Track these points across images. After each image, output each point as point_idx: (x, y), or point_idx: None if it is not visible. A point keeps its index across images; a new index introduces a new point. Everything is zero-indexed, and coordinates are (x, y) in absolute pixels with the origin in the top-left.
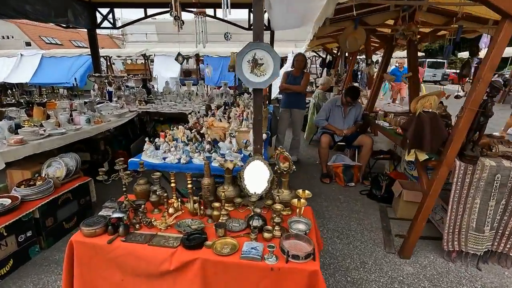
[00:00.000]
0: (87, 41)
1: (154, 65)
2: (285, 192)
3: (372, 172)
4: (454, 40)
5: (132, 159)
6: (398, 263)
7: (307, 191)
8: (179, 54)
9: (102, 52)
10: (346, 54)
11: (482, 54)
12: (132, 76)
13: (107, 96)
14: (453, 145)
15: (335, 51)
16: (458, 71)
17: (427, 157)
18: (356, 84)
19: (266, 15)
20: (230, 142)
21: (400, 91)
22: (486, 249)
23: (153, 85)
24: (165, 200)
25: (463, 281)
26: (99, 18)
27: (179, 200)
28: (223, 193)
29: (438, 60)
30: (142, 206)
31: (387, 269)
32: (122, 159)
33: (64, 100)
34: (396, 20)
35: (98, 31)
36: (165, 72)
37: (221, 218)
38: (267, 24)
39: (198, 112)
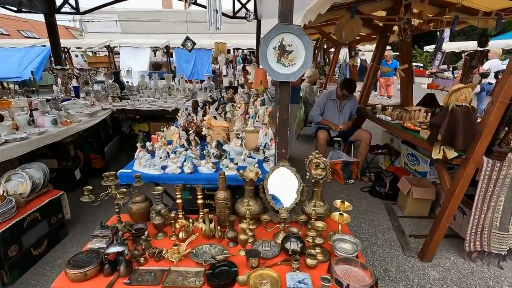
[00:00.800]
0: (38, 31)
1: (120, 57)
2: (320, 205)
3: (370, 168)
4: (441, 31)
5: (122, 170)
6: (422, 268)
7: (346, 203)
8: (187, 38)
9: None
10: (325, 46)
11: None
12: (105, 69)
13: (73, 92)
14: (482, 140)
15: (314, 42)
16: (421, 64)
17: (456, 154)
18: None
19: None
20: (241, 145)
21: (387, 88)
22: (508, 248)
23: (127, 81)
24: (172, 221)
25: (489, 282)
26: (58, 1)
27: (190, 221)
28: (247, 210)
29: None
30: (146, 232)
31: (413, 277)
32: (113, 173)
33: (20, 98)
34: (395, 9)
35: None
36: (133, 65)
37: (248, 241)
38: (253, 12)
39: (186, 109)
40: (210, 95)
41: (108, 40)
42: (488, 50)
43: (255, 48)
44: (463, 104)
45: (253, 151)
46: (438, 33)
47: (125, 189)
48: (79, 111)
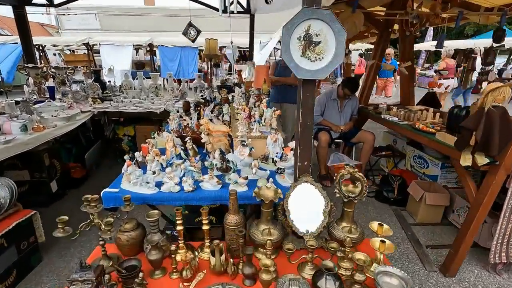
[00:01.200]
0: (10, 28)
1: (100, 56)
2: (353, 229)
3: (374, 170)
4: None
5: (107, 190)
6: (447, 284)
7: (385, 225)
8: (189, 25)
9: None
10: None
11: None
12: (83, 68)
13: (48, 93)
14: None
15: None
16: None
17: (488, 161)
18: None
19: None
20: (250, 154)
21: (385, 89)
22: None
23: (109, 80)
24: (173, 256)
25: None
26: None
27: (196, 253)
28: (268, 241)
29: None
30: (140, 274)
31: None
32: (95, 197)
33: None
34: (401, 3)
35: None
36: (114, 64)
37: (271, 277)
38: (246, 6)
39: (178, 112)
40: (202, 95)
41: (87, 37)
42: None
43: (247, 46)
44: (500, 104)
45: (261, 160)
46: (440, 30)
47: (111, 219)
48: (55, 114)
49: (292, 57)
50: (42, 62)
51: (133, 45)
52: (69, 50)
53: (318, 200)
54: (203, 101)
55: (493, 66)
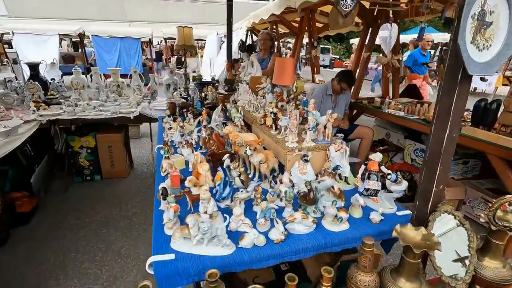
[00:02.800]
0: None
1: (14, 47)
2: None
3: None
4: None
5: (157, 258)
6: None
7: None
8: None
9: None
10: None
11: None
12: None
13: None
14: None
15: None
16: (337, 56)
17: None
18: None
19: None
20: (331, 175)
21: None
22: None
23: (52, 78)
24: None
25: None
26: None
27: None
28: None
29: (326, 46)
30: None
31: None
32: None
33: None
34: None
35: None
36: (35, 57)
37: None
38: None
39: (169, 116)
40: (181, 95)
41: None
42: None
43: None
44: None
45: (325, 176)
46: (421, 23)
47: None
48: None
49: (466, 45)
50: None
51: (59, 34)
52: None
53: (459, 233)
54: (184, 101)
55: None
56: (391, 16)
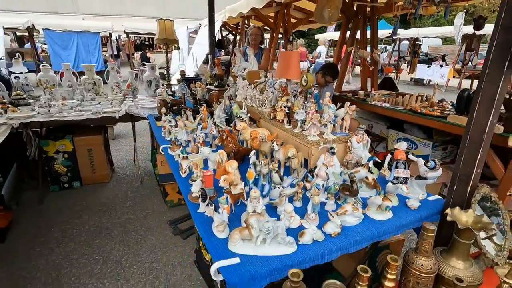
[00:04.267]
0: None
1: None
2: None
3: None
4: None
5: (223, 263)
6: None
7: None
8: None
9: None
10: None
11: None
12: None
13: None
14: None
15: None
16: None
17: None
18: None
19: None
20: (366, 166)
21: None
22: None
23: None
24: None
25: None
26: None
27: None
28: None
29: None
30: None
31: None
32: None
33: None
34: None
35: None
36: None
37: None
38: None
39: (168, 114)
40: (169, 92)
41: None
42: None
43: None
44: None
45: (346, 167)
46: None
47: None
48: None
49: None
50: None
51: (4, 28)
52: None
53: (494, 213)
54: (171, 97)
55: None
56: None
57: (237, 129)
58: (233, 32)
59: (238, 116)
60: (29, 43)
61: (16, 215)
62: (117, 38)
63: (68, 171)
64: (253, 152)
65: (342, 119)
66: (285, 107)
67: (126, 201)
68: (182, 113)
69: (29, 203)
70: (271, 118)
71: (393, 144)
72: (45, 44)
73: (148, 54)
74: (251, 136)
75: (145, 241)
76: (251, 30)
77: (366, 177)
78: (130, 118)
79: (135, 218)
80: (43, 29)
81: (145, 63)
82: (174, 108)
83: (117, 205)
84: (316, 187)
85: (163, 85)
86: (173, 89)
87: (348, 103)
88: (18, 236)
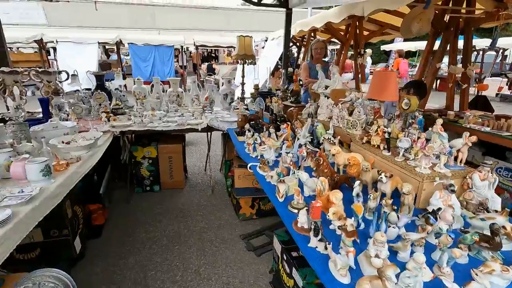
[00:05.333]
0: None
1: (58, 55)
2: None
3: None
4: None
5: None
6: None
7: None
8: None
9: None
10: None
11: None
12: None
13: (45, 110)
14: None
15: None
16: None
17: None
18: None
19: None
20: (504, 212)
21: None
22: None
23: (116, 88)
24: None
25: None
26: None
27: None
28: None
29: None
30: None
31: None
32: None
33: None
34: None
35: None
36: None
37: None
38: None
39: (250, 131)
40: (244, 106)
41: (39, 33)
42: None
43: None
44: None
45: (470, 209)
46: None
47: None
48: (66, 140)
49: None
50: None
51: (99, 42)
52: (16, 48)
53: None
54: (247, 113)
55: None
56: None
57: (331, 152)
58: (297, 44)
59: (327, 138)
60: (116, 55)
61: (113, 214)
62: (185, 50)
63: (151, 175)
64: (358, 182)
65: (458, 150)
66: (384, 132)
67: (200, 209)
68: (264, 130)
69: (118, 201)
70: (364, 142)
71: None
72: (127, 55)
73: (214, 65)
74: (349, 162)
75: (220, 253)
76: (316, 44)
77: (504, 226)
78: (207, 129)
79: (209, 227)
80: (128, 43)
81: (211, 73)
82: (251, 122)
83: (192, 212)
84: (449, 235)
85: (238, 98)
86: (245, 102)
87: (467, 133)
88: (111, 232)
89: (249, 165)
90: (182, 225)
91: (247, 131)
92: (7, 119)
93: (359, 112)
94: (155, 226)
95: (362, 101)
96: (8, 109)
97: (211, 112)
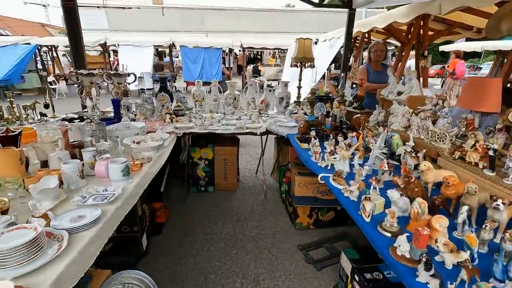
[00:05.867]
0: (11, 28)
1: (119, 58)
2: None
3: None
4: None
5: None
6: None
7: None
8: None
9: (42, 41)
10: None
11: None
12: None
13: (116, 110)
14: None
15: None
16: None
17: None
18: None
19: None
20: None
21: None
22: None
23: (177, 89)
24: None
25: None
26: None
27: None
28: None
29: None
30: None
31: None
32: None
33: (31, 118)
34: None
35: (26, 16)
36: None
37: None
38: None
39: (316, 138)
40: (304, 111)
41: (103, 37)
42: None
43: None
44: None
45: None
46: None
47: None
48: (136, 139)
49: None
50: (56, 65)
51: (154, 45)
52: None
53: None
54: (307, 118)
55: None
56: None
57: (420, 169)
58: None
59: (409, 151)
60: (168, 57)
61: (173, 212)
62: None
63: (206, 176)
64: (466, 208)
65: None
66: (489, 148)
67: (254, 213)
68: (331, 138)
69: (176, 200)
70: (456, 157)
71: None
72: (177, 57)
73: (260, 67)
74: (447, 182)
75: (278, 263)
76: (376, 45)
77: None
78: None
79: (265, 234)
80: (180, 45)
81: (256, 75)
82: (311, 128)
83: (246, 216)
84: None
85: (294, 102)
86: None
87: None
88: (170, 230)
89: (320, 176)
90: (237, 229)
91: (312, 139)
92: (85, 118)
93: (449, 124)
94: (211, 228)
95: (450, 111)
96: (83, 108)
97: (267, 116)
